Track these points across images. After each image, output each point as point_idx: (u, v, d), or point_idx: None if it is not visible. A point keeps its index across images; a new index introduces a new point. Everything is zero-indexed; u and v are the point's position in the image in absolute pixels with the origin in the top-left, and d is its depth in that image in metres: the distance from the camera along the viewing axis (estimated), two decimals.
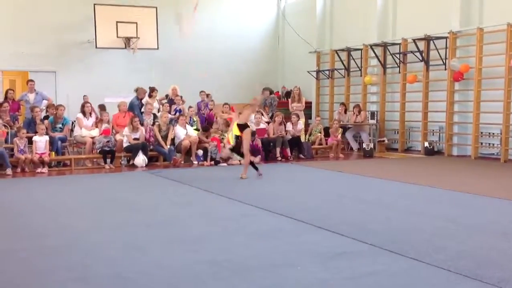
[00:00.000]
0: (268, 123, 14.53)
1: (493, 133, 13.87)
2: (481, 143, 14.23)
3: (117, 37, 16.97)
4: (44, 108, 13.89)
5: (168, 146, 12.90)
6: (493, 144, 13.99)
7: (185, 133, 13.19)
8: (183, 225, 6.67)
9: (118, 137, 12.90)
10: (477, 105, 13.99)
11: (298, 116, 15.13)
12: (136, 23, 17.11)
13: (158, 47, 17.75)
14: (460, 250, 5.39)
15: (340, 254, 5.30)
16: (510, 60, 12.98)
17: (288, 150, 13.93)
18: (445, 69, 14.74)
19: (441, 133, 15.27)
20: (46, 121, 12.81)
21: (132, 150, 12.52)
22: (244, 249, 5.51)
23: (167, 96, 15.51)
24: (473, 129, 14.07)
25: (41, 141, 11.84)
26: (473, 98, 14.12)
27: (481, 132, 14.13)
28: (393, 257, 5.19)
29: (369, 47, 16.93)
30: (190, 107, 15.13)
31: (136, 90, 14.65)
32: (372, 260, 5.13)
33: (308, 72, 19.32)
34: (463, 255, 5.22)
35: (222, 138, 13.18)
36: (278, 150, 13.74)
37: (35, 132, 12.11)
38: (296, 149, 14.32)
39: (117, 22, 16.90)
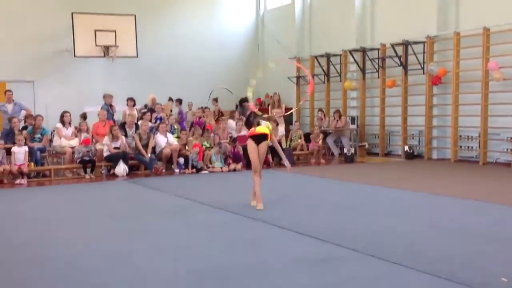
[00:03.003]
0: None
1: (472, 136, 14.04)
2: (460, 146, 14.40)
3: (96, 45, 16.88)
4: (22, 118, 13.73)
5: (149, 155, 12.82)
6: (472, 147, 14.16)
7: (166, 141, 13.13)
8: (166, 234, 6.62)
9: (98, 146, 12.80)
10: (455, 108, 14.16)
11: (277, 123, 15.15)
12: (115, 31, 17.02)
13: (137, 55, 17.69)
14: (440, 253, 5.44)
15: (323, 260, 5.32)
16: (487, 64, 13.17)
17: (270, 157, 13.93)
18: (423, 74, 14.91)
19: (421, 137, 15.41)
20: (24, 132, 12.66)
21: (112, 159, 12.43)
22: (227, 257, 5.49)
23: (146, 106, 15.49)
24: (452, 132, 14.23)
25: (20, 152, 11.69)
26: (451, 101, 14.28)
27: (460, 136, 14.29)
28: (375, 262, 5.22)
29: (348, 52, 17.05)
30: (171, 115, 15.08)
31: (104, 97, 14.72)
32: (355, 265, 5.16)
33: (288, 78, 19.39)
34: (443, 258, 5.27)
35: (204, 145, 13.15)
36: None
37: (14, 143, 11.94)
38: (278, 155, 14.32)
39: (95, 30, 16.80)
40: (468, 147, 14.29)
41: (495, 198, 8.55)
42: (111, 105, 14.66)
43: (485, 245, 5.77)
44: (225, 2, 20.97)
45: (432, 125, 14.99)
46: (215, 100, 17.96)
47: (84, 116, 15.07)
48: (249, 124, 8.74)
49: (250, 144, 8.27)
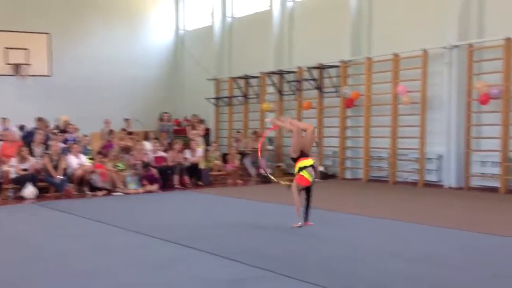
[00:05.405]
0: (165, 150, 14.37)
1: (382, 157, 14.57)
2: (371, 166, 14.88)
3: (6, 63, 16.27)
4: None
5: (61, 177, 12.32)
6: (382, 167, 14.67)
7: (78, 162, 12.70)
8: (75, 258, 6.35)
9: (4, 168, 12.18)
10: (367, 130, 14.67)
11: (197, 143, 15.10)
12: (27, 49, 16.49)
13: (51, 74, 17.16)
14: (353, 272, 5.55)
15: (237, 281, 5.29)
16: (396, 88, 13.76)
17: (187, 178, 13.85)
18: (338, 96, 15.36)
19: (335, 157, 15.81)
20: None
21: (20, 182, 11.86)
22: (139, 281, 5.35)
23: (57, 126, 15.01)
24: (364, 153, 14.71)
25: None
26: (363, 123, 14.79)
27: (371, 156, 14.79)
28: (289, 281, 5.24)
29: (266, 75, 17.32)
30: (84, 135, 14.67)
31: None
32: (268, 286, 5.17)
33: (206, 99, 19.40)
34: (355, 277, 5.38)
35: (118, 167, 12.81)
36: (176, 177, 13.60)
37: None
38: (195, 176, 14.26)
39: (6, 48, 16.21)
40: (379, 167, 14.80)
41: (403, 216, 8.87)
42: (21, 126, 14.17)
43: (396, 263, 5.93)
44: (144, 22, 20.82)
45: (345, 146, 15.44)
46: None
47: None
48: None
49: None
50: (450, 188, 12.84)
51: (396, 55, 13.88)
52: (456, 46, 12.82)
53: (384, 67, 14.21)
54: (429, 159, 13.42)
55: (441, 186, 13.07)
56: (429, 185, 13.26)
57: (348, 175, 15.39)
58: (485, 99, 12.11)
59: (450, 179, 12.97)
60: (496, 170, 12.21)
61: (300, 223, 7.92)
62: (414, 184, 13.54)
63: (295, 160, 8.12)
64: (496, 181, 12.20)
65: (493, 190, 12.13)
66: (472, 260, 6.03)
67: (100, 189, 12.29)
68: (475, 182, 12.72)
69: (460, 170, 12.78)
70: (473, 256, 6.25)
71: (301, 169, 8.00)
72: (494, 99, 12.05)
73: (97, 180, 12.37)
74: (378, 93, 14.55)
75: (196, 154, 14.59)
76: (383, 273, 5.52)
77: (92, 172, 12.41)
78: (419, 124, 13.42)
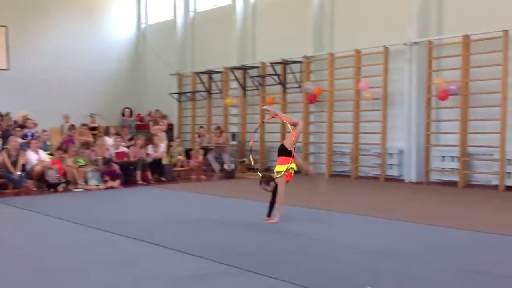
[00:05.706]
0: (127, 146, 14.20)
1: (344, 152, 14.72)
2: (334, 162, 15.02)
3: None
4: None
5: (20, 173, 12.04)
6: (345, 162, 14.83)
7: (37, 158, 12.42)
8: (37, 256, 6.20)
9: None
10: (330, 125, 14.80)
11: (160, 138, 14.98)
12: None
13: (8, 68, 16.74)
14: (316, 266, 5.58)
15: (200, 276, 5.26)
16: (358, 84, 13.91)
17: (149, 173, 13.71)
18: (301, 92, 15.43)
19: (298, 153, 15.87)
20: None
21: None
22: (102, 278, 5.26)
23: (15, 122, 14.68)
24: (327, 148, 14.84)
25: None
26: (326, 119, 14.91)
27: (334, 151, 14.93)
28: (253, 276, 5.24)
29: (229, 70, 17.27)
30: (44, 130, 14.36)
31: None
32: (232, 281, 5.14)
33: (169, 94, 19.24)
34: (319, 271, 5.41)
35: (78, 163, 12.59)
36: (138, 173, 13.46)
37: None
38: (157, 172, 14.14)
39: None
40: (342, 162, 14.95)
41: (365, 211, 8.98)
42: None
43: (356, 257, 5.99)
44: (105, 15, 20.50)
45: (309, 141, 15.54)
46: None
47: None
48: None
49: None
50: (411, 182, 13.07)
51: (358, 51, 14.03)
52: (416, 43, 13.04)
53: (346, 63, 14.34)
54: (390, 154, 13.63)
55: (402, 181, 13.31)
56: (390, 179, 13.48)
57: (311, 170, 15.49)
58: (444, 95, 12.36)
59: (410, 174, 13.21)
60: (455, 165, 12.49)
61: (276, 219, 7.93)
62: (375, 178, 13.75)
63: (288, 154, 8.04)
64: (455, 175, 12.48)
65: (452, 184, 12.42)
66: (434, 254, 6.12)
67: (58, 184, 12.04)
68: (434, 177, 12.99)
69: (420, 165, 13.03)
70: (435, 249, 6.35)
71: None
72: (452, 95, 12.31)
73: (52, 175, 12.09)
74: (340, 89, 14.69)
75: (159, 149, 14.47)
76: (346, 267, 5.58)
77: (49, 168, 12.15)
78: (381, 119, 13.61)
